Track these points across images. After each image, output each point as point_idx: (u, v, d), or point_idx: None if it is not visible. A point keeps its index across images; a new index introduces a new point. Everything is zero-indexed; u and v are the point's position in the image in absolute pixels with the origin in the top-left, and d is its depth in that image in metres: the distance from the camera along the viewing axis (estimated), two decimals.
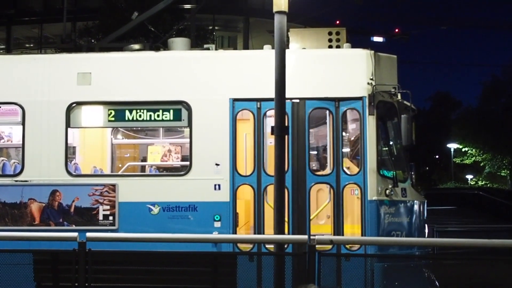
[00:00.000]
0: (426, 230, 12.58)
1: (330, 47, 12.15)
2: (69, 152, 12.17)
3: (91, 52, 12.60)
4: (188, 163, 11.68)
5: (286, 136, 10.55)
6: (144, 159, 13.75)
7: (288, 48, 11.31)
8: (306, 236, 9.28)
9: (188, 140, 11.73)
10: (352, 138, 12.65)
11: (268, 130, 11.32)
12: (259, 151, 11.56)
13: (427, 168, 67.29)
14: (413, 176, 12.45)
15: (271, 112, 10.83)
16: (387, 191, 11.42)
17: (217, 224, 11.31)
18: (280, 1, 10.26)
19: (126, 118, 11.82)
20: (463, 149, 53.21)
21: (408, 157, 12.48)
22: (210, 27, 38.93)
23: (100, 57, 12.24)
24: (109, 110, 11.83)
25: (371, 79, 11.48)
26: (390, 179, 11.58)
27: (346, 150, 12.53)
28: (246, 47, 40.75)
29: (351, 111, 11.75)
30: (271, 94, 10.20)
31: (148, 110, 11.74)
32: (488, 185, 50.48)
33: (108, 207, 11.48)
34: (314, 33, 12.37)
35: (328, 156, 12.03)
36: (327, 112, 11.73)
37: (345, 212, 11.45)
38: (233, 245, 11.19)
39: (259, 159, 11.54)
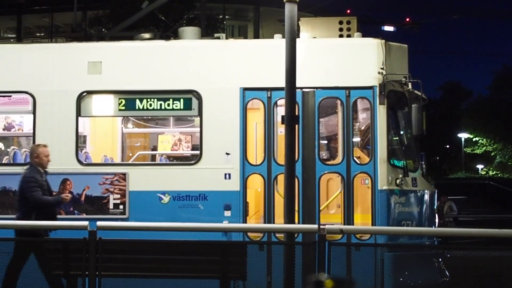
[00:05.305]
0: (437, 220, 12.57)
1: (341, 36, 12.10)
2: (80, 141, 12.21)
3: (101, 41, 12.59)
4: (198, 152, 11.69)
5: (296, 125, 10.53)
6: (155, 148, 13.76)
7: (298, 37, 11.27)
8: (316, 226, 9.27)
9: (198, 129, 11.74)
10: (363, 128, 12.61)
11: (278, 119, 11.32)
12: (269, 140, 11.55)
13: (438, 157, 66.96)
14: (424, 165, 12.43)
15: (282, 101, 10.80)
16: (398, 181, 11.40)
17: (227, 213, 11.32)
18: None
19: (137, 107, 11.84)
20: (474, 139, 52.92)
21: (419, 147, 12.46)
22: (221, 16, 38.84)
23: (110, 46, 12.25)
24: (119, 99, 11.85)
25: (382, 69, 11.45)
26: (400, 169, 11.55)
27: (357, 139, 12.50)
28: (256, 36, 40.60)
29: (362, 100, 11.72)
30: (282, 83, 10.14)
31: (158, 99, 11.75)
32: (499, 175, 50.26)
33: (118, 196, 11.51)
34: (325, 22, 12.34)
35: (339, 146, 12.01)
36: (338, 101, 11.71)
37: (355, 201, 11.45)
38: (243, 234, 11.20)
39: (269, 148, 11.53)
